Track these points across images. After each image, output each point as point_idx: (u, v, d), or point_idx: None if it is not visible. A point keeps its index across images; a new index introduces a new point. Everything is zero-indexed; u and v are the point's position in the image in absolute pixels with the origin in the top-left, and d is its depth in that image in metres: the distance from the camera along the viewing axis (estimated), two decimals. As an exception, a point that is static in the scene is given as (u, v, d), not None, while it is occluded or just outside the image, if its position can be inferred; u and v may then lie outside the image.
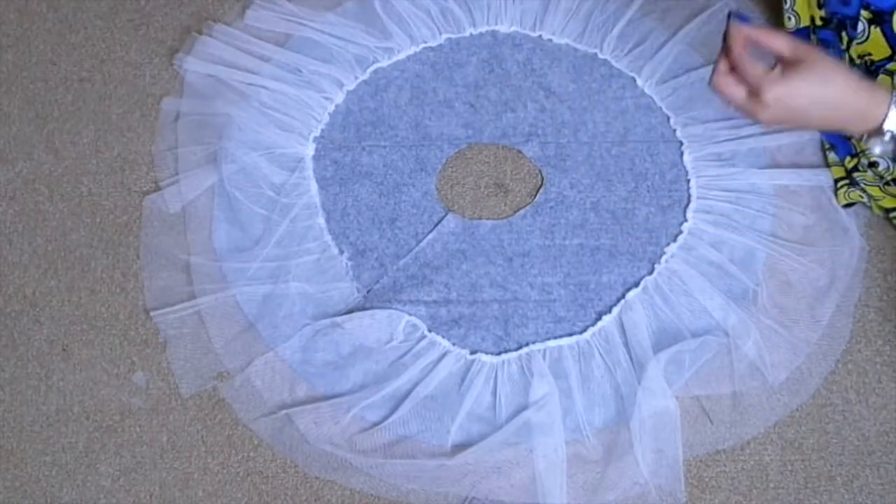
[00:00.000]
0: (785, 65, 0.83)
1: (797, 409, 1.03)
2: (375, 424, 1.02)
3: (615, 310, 1.08)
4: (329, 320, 1.08)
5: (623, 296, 1.09)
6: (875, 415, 1.02)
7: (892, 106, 0.82)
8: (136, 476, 1.03)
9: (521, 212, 1.15)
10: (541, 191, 1.16)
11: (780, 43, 0.84)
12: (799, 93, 0.82)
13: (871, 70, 1.05)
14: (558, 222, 1.14)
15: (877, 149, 0.84)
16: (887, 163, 1.07)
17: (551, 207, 1.15)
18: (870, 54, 1.05)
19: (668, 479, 0.97)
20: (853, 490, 0.99)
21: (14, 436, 1.05)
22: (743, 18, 0.88)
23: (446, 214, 1.15)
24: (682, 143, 1.17)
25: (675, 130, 1.18)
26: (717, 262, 1.09)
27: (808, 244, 1.10)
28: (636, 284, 1.09)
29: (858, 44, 1.06)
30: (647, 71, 1.22)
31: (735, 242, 1.10)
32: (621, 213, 1.14)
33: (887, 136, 0.83)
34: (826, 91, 0.82)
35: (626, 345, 1.05)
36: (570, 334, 1.07)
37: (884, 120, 0.82)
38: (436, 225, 1.14)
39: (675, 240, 1.12)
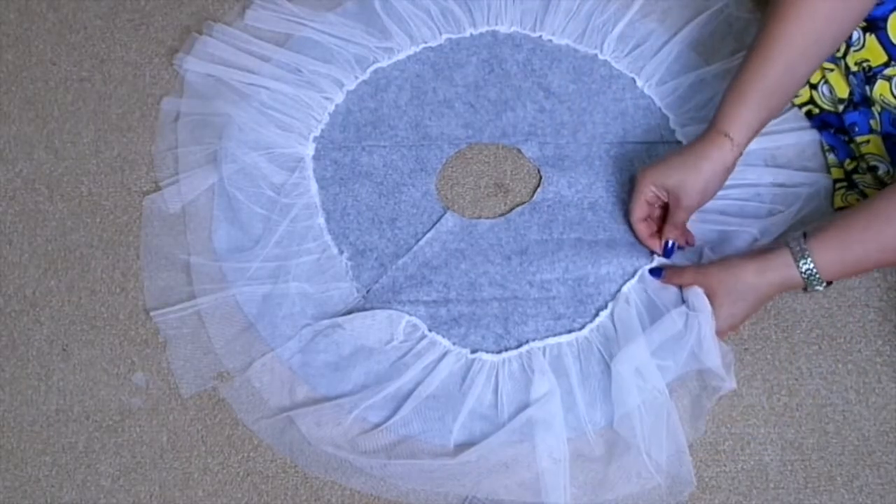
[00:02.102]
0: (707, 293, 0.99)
1: (797, 409, 1.03)
2: (377, 425, 1.02)
3: (611, 305, 1.08)
4: (329, 321, 1.08)
5: (620, 289, 1.08)
6: (875, 415, 1.02)
7: (797, 264, 0.94)
8: (136, 476, 1.03)
9: (519, 209, 1.15)
10: (538, 190, 1.16)
11: (683, 281, 1.02)
12: (732, 312, 0.98)
13: (868, 77, 1.06)
14: (556, 219, 1.14)
15: (819, 288, 0.96)
16: (887, 167, 1.07)
17: (549, 206, 1.15)
18: (867, 60, 1.06)
19: (673, 468, 0.97)
20: (853, 490, 0.99)
21: (14, 436, 1.05)
22: (657, 273, 1.06)
23: (445, 213, 1.15)
24: (681, 144, 1.17)
25: (674, 131, 1.18)
26: (713, 251, 1.09)
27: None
28: (633, 275, 1.09)
29: (855, 51, 1.07)
30: (647, 72, 1.22)
31: (734, 239, 1.10)
32: (620, 214, 1.14)
33: (819, 287, 0.95)
34: (745, 299, 0.97)
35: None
36: (570, 331, 1.07)
37: (806, 279, 0.95)
38: (434, 224, 1.14)
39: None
